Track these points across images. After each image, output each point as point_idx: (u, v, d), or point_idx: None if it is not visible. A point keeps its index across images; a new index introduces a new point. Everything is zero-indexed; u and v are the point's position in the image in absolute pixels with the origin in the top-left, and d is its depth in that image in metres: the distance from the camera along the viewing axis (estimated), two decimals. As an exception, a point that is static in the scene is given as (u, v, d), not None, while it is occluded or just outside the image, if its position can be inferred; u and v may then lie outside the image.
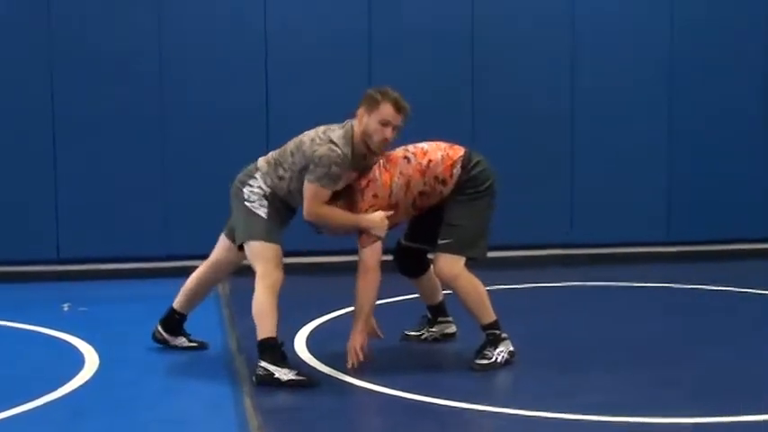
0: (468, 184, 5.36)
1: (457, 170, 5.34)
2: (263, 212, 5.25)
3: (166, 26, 8.14)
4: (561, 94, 8.74)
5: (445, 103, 8.33)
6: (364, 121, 5.18)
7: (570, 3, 8.69)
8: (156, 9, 8.12)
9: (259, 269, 5.18)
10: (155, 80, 8.15)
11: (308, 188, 5.16)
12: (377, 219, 5.25)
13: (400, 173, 5.30)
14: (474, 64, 8.56)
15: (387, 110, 5.15)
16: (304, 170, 5.19)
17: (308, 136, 5.26)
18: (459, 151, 5.41)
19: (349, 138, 5.18)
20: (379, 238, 5.26)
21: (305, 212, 5.23)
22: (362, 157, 5.27)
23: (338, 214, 5.27)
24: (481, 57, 8.56)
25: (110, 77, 8.11)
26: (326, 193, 5.17)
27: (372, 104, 5.18)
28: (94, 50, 8.08)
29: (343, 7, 8.40)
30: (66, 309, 7.00)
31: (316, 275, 7.94)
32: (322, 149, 5.12)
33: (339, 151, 5.11)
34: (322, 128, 5.27)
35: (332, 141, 5.13)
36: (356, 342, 5.30)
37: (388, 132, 5.17)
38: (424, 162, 5.33)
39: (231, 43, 8.26)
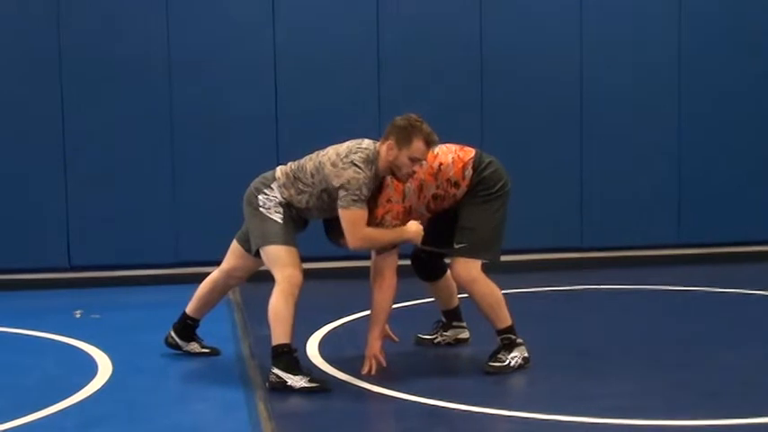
0: (481, 185, 5.35)
1: (468, 172, 5.34)
2: (277, 217, 5.24)
3: (175, 35, 8.14)
4: (570, 96, 8.72)
5: (453, 108, 8.31)
6: (394, 154, 5.12)
7: (578, 2, 8.68)
8: (164, 17, 8.12)
9: (277, 274, 5.16)
10: (164, 87, 8.15)
11: (346, 215, 5.10)
12: (416, 229, 5.24)
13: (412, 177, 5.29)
14: (482, 67, 8.55)
15: (418, 146, 5.10)
16: (324, 192, 5.18)
17: (327, 158, 5.20)
18: (469, 153, 5.41)
19: (371, 161, 5.14)
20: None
21: (350, 241, 5.16)
22: (382, 178, 5.27)
23: (381, 234, 5.23)
24: (489, 60, 8.55)
25: (119, 86, 8.12)
26: (364, 214, 5.13)
27: (404, 139, 5.10)
28: (104, 59, 8.09)
29: (351, 13, 8.40)
30: (78, 316, 7.01)
31: (326, 280, 7.92)
32: (347, 174, 5.07)
33: (364, 174, 5.08)
34: (343, 149, 5.20)
35: (355, 164, 5.09)
36: (374, 348, 5.30)
37: (417, 167, 5.17)
38: (435, 165, 5.32)
39: (240, 51, 8.26)
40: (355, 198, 5.08)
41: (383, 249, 5.31)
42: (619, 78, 8.78)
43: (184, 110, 8.19)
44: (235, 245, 5.58)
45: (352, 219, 5.11)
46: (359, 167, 5.09)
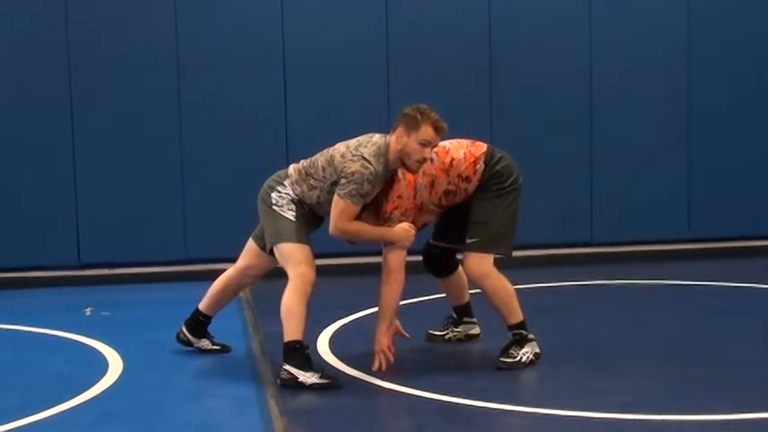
0: (493, 180, 5.35)
1: (480, 167, 5.33)
2: (290, 215, 5.25)
3: (183, 31, 8.15)
4: (579, 92, 8.71)
5: (463, 103, 8.28)
6: (403, 141, 5.15)
7: (587, 0, 8.67)
8: (172, 14, 8.12)
9: (290, 271, 5.17)
10: (173, 85, 8.15)
11: (337, 203, 5.14)
12: (402, 232, 5.24)
13: (424, 172, 5.27)
14: (491, 63, 8.54)
15: (427, 131, 5.12)
16: (335, 184, 5.18)
17: (338, 151, 5.24)
18: (481, 148, 5.41)
19: (382, 154, 5.16)
20: (405, 248, 5.26)
21: (331, 227, 5.21)
22: (394, 171, 5.27)
23: (364, 229, 5.26)
24: (498, 56, 8.53)
25: (128, 83, 8.12)
26: (355, 209, 5.16)
27: (412, 125, 5.13)
28: (112, 56, 8.09)
29: (360, 10, 8.39)
30: (88, 313, 7.01)
31: (337, 277, 7.92)
32: (355, 166, 5.10)
33: (372, 168, 5.10)
34: (353, 143, 5.24)
35: (364, 158, 5.11)
36: (382, 344, 5.30)
37: (427, 152, 5.16)
38: (447, 161, 5.32)
39: (249, 47, 8.26)
40: (354, 191, 5.10)
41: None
42: (628, 75, 8.75)
43: (193, 107, 8.19)
44: (251, 243, 5.58)
45: (342, 208, 5.13)
46: (367, 161, 5.10)
